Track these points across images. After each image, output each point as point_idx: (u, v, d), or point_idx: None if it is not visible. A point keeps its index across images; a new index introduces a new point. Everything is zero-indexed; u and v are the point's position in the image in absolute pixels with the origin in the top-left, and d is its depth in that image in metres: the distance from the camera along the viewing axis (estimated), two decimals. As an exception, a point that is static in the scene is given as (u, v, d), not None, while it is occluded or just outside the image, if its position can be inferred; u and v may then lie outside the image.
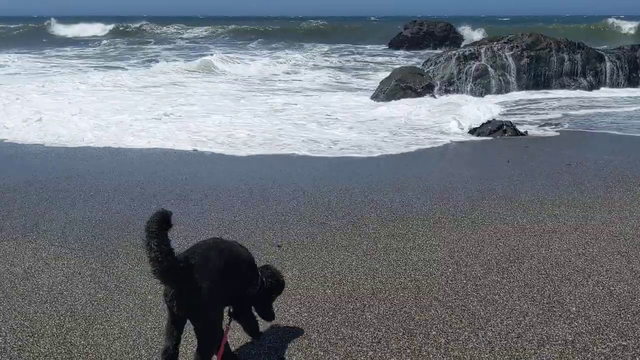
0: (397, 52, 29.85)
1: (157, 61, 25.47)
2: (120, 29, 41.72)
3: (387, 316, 4.37)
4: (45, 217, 6.49)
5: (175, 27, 39.95)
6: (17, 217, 6.42)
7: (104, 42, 34.60)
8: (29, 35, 43.42)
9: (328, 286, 4.89)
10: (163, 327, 3.48)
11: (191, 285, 3.03)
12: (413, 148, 10.96)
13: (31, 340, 3.87)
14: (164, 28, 42.05)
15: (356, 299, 4.65)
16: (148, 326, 4.11)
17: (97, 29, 42.81)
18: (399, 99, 16.54)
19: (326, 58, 27.59)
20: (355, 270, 5.25)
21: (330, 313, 4.39)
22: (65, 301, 4.44)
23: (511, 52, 18.89)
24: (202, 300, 3.05)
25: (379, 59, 27.74)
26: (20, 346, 3.79)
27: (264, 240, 5.98)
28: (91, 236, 5.89)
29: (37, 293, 4.55)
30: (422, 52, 29.69)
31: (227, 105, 15.43)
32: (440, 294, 4.76)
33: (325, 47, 31.22)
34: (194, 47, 32.04)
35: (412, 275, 5.13)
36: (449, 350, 3.92)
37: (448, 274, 5.19)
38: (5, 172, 8.71)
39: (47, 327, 4.05)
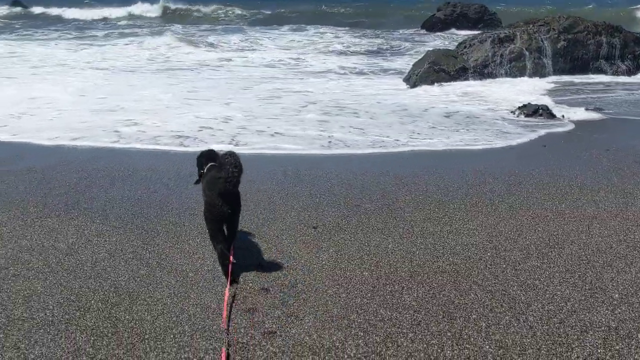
0: (429, 34, 29.45)
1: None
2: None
3: (426, 299, 4.36)
4: (86, 195, 6.61)
5: (217, 6, 39.69)
6: (58, 194, 6.54)
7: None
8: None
9: (365, 268, 4.89)
10: (211, 237, 4.54)
11: (238, 194, 4.54)
12: (448, 133, 10.84)
13: (78, 314, 3.96)
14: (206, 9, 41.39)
15: (394, 282, 4.65)
16: (190, 303, 4.18)
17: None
18: (432, 82, 16.37)
19: (357, 40, 27.37)
20: (392, 253, 5.25)
21: (369, 295, 4.40)
22: (109, 277, 4.53)
23: (547, 35, 18.48)
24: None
25: (411, 41, 27.41)
26: (67, 319, 3.88)
27: (299, 221, 6.00)
28: (131, 214, 5.98)
29: (81, 269, 4.65)
30: (455, 34, 29.24)
31: (267, 88, 15.45)
32: (479, 278, 4.73)
33: (357, 31, 30.95)
34: (226, 28, 32.06)
35: (450, 259, 5.11)
36: (490, 334, 3.90)
37: (487, 258, 5.15)
38: (44, 151, 8.88)
39: (93, 301, 4.14)
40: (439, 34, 29.87)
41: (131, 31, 29.41)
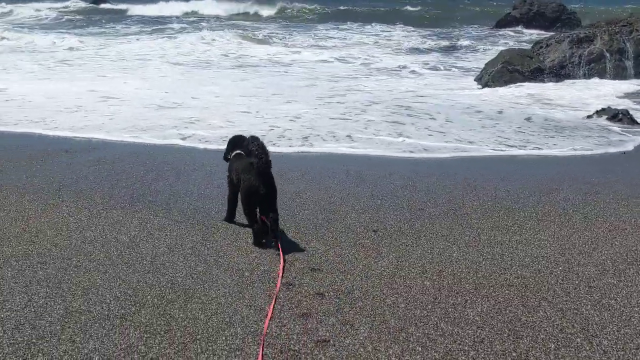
0: (504, 33, 28.47)
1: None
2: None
3: (491, 315, 4.09)
4: (152, 188, 6.66)
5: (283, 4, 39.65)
6: (125, 186, 6.62)
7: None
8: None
9: (427, 277, 4.65)
10: (248, 215, 5.17)
11: (271, 175, 5.09)
12: (525, 136, 10.35)
13: (133, 309, 3.93)
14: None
15: (457, 294, 4.39)
16: (244, 303, 4.07)
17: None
18: (505, 82, 15.77)
19: (427, 37, 26.82)
20: (456, 262, 4.98)
21: (429, 306, 4.17)
22: (167, 272, 4.50)
23: (630, 36, 17.44)
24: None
25: (484, 39, 26.60)
26: (122, 314, 3.86)
27: (359, 223, 5.82)
28: (193, 209, 5.97)
29: (140, 262, 4.64)
30: (526, 33, 28.15)
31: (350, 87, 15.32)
32: (549, 295, 4.41)
33: (427, 29, 30.33)
34: (297, 25, 32.14)
35: (519, 272, 4.79)
36: (559, 356, 3.60)
37: (558, 272, 4.80)
38: (114, 143, 9.06)
39: (149, 297, 4.10)
40: (513, 33, 28.83)
41: (205, 26, 29.86)
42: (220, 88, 14.24)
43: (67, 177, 6.88)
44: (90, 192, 6.34)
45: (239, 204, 5.35)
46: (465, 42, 25.53)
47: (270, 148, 5.29)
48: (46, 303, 3.95)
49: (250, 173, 5.01)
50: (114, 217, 5.61)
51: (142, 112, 11.23)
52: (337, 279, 4.53)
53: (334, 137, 9.81)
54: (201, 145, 8.99)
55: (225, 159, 5.71)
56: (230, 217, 5.62)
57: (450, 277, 4.67)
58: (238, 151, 5.49)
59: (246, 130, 9.81)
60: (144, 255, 4.77)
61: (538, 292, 4.44)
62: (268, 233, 5.03)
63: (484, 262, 4.99)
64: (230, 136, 5.82)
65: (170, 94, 13.25)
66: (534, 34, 27.94)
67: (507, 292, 4.45)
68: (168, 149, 8.67)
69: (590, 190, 7.11)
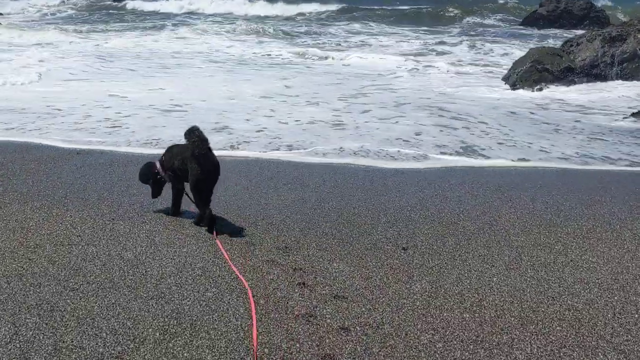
0: (530, 32, 27.47)
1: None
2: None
3: (543, 357, 3.46)
4: (166, 195, 6.11)
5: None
6: (136, 193, 6.08)
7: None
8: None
9: (465, 308, 4.04)
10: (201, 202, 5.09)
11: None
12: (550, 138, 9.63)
13: (132, 346, 3.38)
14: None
15: (501, 330, 3.77)
16: (259, 340, 3.50)
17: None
18: (534, 81, 14.97)
19: (450, 35, 25.99)
20: (497, 288, 4.36)
21: (471, 346, 3.56)
22: (173, 298, 3.95)
23: (666, 34, 16.49)
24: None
25: (511, 37, 25.67)
26: (119, 352, 3.31)
27: (386, 239, 5.21)
28: (206, 221, 5.41)
29: (144, 286, 4.09)
30: (558, 32, 27.15)
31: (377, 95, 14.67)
32: (607, 332, 3.77)
33: (448, 28, 29.44)
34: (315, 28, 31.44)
35: (569, 302, 4.15)
36: (630, 419, 2.98)
37: (614, 303, 4.16)
38: (128, 152, 8.56)
39: (150, 330, 3.55)
40: (540, 30, 27.83)
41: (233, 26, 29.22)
42: (254, 90, 13.67)
43: (75, 182, 6.37)
44: (98, 200, 5.81)
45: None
46: (490, 40, 24.65)
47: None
48: (34, 336, 3.42)
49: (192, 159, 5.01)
50: (120, 230, 5.07)
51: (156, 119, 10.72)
52: (364, 309, 3.93)
53: (387, 140, 9.06)
54: (252, 154, 8.45)
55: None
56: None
57: (492, 309, 4.05)
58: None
59: (281, 136, 9.25)
60: (149, 277, 4.22)
61: (594, 329, 3.81)
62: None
63: (528, 289, 4.36)
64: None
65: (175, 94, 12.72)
66: (561, 32, 26.94)
67: (558, 328, 3.83)
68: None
69: (637, 203, 6.42)
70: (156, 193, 5.51)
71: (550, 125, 10.57)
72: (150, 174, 5.41)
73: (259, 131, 9.31)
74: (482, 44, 23.40)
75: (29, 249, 4.54)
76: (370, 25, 29.28)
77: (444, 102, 12.42)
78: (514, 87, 14.81)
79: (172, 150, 5.38)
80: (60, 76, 14.16)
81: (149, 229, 5.15)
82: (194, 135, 4.97)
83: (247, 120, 10.07)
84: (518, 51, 20.23)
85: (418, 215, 5.89)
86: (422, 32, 27.69)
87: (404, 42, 23.99)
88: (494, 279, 4.53)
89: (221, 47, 21.03)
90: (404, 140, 9.10)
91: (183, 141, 5.14)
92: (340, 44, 23.19)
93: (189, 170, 5.07)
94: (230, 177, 6.87)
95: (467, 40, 24.49)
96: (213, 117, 10.10)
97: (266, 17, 32.47)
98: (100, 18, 32.25)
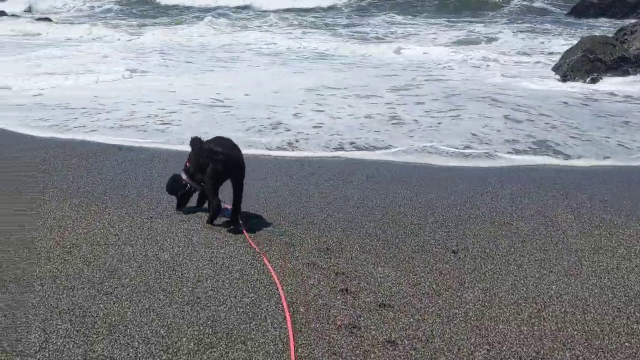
0: (580, 21, 26.30)
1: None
2: None
3: (614, 381, 3.08)
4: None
5: None
6: (175, 189, 5.89)
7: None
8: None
9: (523, 320, 3.67)
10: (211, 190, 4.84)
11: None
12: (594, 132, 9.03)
13: (164, 357, 3.16)
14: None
15: (564, 346, 3.39)
16: (298, 354, 3.23)
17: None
18: (585, 72, 14.20)
19: (496, 24, 25.12)
20: (557, 297, 3.96)
21: (531, 365, 3.20)
22: (209, 304, 3.71)
23: None
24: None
25: (559, 26, 24.64)
26: (151, 364, 3.09)
27: (435, 241, 4.86)
28: (250, 222, 5.17)
29: (180, 290, 3.87)
30: (609, 21, 25.91)
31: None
32: (686, 352, 3.34)
33: (499, 17, 28.45)
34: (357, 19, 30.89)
35: (638, 315, 3.73)
36: None
37: (691, 318, 3.71)
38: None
39: (184, 339, 3.32)
40: (590, 20, 26.62)
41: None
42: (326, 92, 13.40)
43: (115, 178, 6.23)
44: (137, 197, 5.64)
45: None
46: (538, 29, 23.73)
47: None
48: (64, 345, 3.23)
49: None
50: (157, 229, 4.88)
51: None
52: (412, 320, 3.61)
53: (456, 136, 8.54)
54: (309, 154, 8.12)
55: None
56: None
57: (552, 321, 3.67)
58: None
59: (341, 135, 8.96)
60: (185, 280, 3.99)
61: (671, 348, 3.39)
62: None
63: (591, 299, 3.95)
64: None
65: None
66: (612, 21, 25.68)
67: (627, 345, 3.42)
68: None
69: None
70: (183, 204, 5.31)
71: (616, 117, 9.89)
72: (177, 187, 5.21)
73: (315, 127, 8.90)
74: (529, 33, 22.55)
75: (64, 249, 4.39)
76: (412, 14, 28.61)
77: (496, 93, 11.89)
78: (564, 77, 14.10)
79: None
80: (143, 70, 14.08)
81: (187, 227, 4.94)
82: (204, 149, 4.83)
83: (299, 114, 9.70)
84: (567, 40, 19.36)
85: (468, 214, 5.51)
86: (466, 20, 26.88)
87: (448, 31, 23.32)
88: (553, 286, 4.14)
89: (266, 40, 20.83)
90: (472, 134, 8.62)
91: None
92: (385, 35, 22.68)
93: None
94: (270, 173, 6.62)
95: (513, 29, 23.65)
96: (264, 112, 9.77)
97: (300, 9, 31.90)
98: (141, 12, 32.44)
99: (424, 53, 18.18)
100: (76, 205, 5.33)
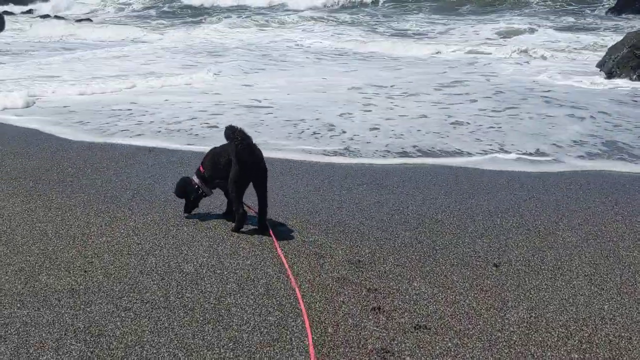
0: (625, 16, 25.18)
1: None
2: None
3: (682, 423, 2.69)
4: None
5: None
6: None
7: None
8: None
9: (574, 346, 3.29)
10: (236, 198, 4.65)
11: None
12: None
13: (180, 384, 2.91)
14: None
15: (622, 378, 3.01)
16: (325, 381, 2.93)
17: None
18: (632, 68, 13.45)
19: (533, 19, 24.28)
20: (610, 319, 3.57)
21: (586, 402, 2.83)
22: (231, 323, 3.45)
23: None
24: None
25: (602, 20, 23.67)
26: (166, 392, 2.84)
27: (474, 252, 4.50)
28: (279, 229, 4.90)
29: (201, 306, 3.62)
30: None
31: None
32: None
33: (538, 10, 27.49)
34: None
35: None
36: None
37: None
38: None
39: (204, 365, 3.07)
40: (633, 15, 25.45)
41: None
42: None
43: (144, 182, 6.04)
44: (164, 202, 5.42)
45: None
46: (580, 25, 22.82)
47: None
48: (76, 368, 3.02)
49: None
50: (182, 237, 4.65)
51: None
52: (450, 344, 3.27)
53: (529, 136, 8.15)
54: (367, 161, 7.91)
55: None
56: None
57: (605, 347, 3.29)
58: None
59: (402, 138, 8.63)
60: (207, 295, 3.74)
61: None
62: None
63: (650, 322, 3.55)
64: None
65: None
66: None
67: (695, 378, 3.02)
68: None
69: None
70: (191, 208, 5.07)
71: None
72: (190, 190, 4.98)
73: (372, 129, 8.50)
74: (570, 28, 21.72)
75: (86, 260, 4.19)
76: (450, 9, 27.92)
77: (544, 90, 11.52)
78: (610, 74, 13.39)
79: (214, 150, 4.99)
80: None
81: (212, 235, 4.69)
82: (237, 133, 4.57)
83: (348, 115, 9.36)
84: (610, 36, 18.52)
85: (510, 223, 5.12)
86: (501, 15, 26.07)
87: (484, 26, 22.63)
88: (606, 306, 3.74)
89: (306, 38, 20.54)
90: (542, 136, 8.19)
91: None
92: (425, 32, 22.14)
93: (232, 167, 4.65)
94: (300, 176, 6.34)
95: (553, 23, 22.84)
96: (311, 113, 9.44)
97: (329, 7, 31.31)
98: (171, 12, 32.50)
99: (465, 49, 17.65)
100: (102, 212, 5.15)
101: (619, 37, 15.95)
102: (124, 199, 5.53)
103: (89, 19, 29.48)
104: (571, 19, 24.40)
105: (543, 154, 7.37)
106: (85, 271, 4.02)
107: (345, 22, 25.73)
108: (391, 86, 11.84)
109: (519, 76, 13.24)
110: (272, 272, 4.09)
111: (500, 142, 7.88)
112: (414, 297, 3.79)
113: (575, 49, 17.54)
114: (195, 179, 4.99)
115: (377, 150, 7.48)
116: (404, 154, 7.38)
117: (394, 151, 7.46)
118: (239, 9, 31.76)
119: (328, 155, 7.27)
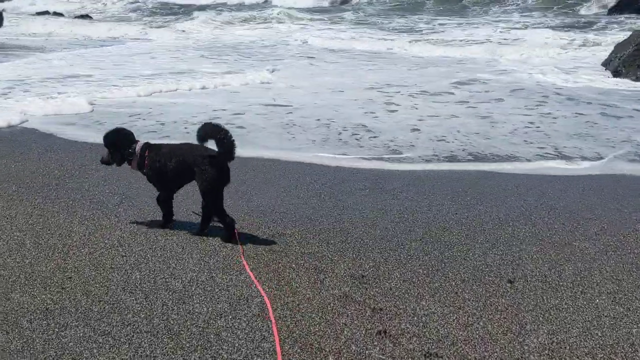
0: (628, 15, 24.70)
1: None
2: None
3: None
4: (238, 202, 5.26)
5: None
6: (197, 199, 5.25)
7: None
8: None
9: (604, 379, 2.92)
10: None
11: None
12: None
13: None
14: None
15: (662, 420, 2.63)
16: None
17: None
18: (638, 66, 13.10)
19: (538, 17, 23.87)
20: (639, 344, 3.20)
21: None
22: (220, 350, 3.06)
23: None
24: None
25: (605, 18, 23.25)
26: None
27: (486, 266, 4.12)
28: (276, 242, 4.51)
29: (189, 329, 3.22)
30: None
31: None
32: None
33: (540, 11, 27.04)
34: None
35: None
36: None
37: None
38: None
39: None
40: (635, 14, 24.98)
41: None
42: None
43: (132, 185, 5.62)
44: (155, 208, 4.96)
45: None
46: (582, 24, 22.42)
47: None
48: (43, 406, 2.63)
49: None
50: (172, 249, 4.26)
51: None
52: (465, 376, 2.90)
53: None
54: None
55: None
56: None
57: (640, 380, 2.91)
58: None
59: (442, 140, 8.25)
60: (195, 317, 3.35)
61: None
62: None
63: (684, 348, 3.17)
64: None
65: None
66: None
67: None
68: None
69: None
70: (107, 161, 4.54)
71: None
72: (122, 144, 4.43)
73: (414, 130, 8.15)
74: (572, 26, 21.31)
75: (65, 275, 3.80)
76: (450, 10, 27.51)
77: (556, 88, 11.39)
78: (616, 73, 13.02)
79: (160, 149, 4.45)
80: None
81: (204, 248, 4.30)
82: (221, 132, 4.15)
83: (374, 114, 9.04)
84: (614, 34, 18.14)
85: (523, 232, 4.74)
86: (497, 14, 25.65)
87: (484, 26, 22.25)
88: (634, 329, 3.36)
89: (338, 38, 20.13)
90: (590, 137, 7.96)
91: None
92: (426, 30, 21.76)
93: (200, 173, 4.23)
94: (302, 180, 5.96)
95: (554, 22, 22.44)
96: (334, 113, 9.13)
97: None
98: (174, 10, 32.13)
99: (467, 48, 17.29)
100: (86, 219, 4.76)
101: (618, 36, 15.61)
102: (111, 204, 5.13)
103: (88, 16, 29.03)
104: (571, 18, 24.02)
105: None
106: (63, 288, 3.63)
107: (347, 21, 25.33)
108: (408, 85, 11.60)
109: (525, 74, 13.12)
110: (268, 288, 3.70)
111: (553, 144, 7.58)
112: (423, 318, 3.40)
113: (579, 46, 17.18)
114: (137, 148, 4.43)
115: (425, 155, 7.10)
116: (452, 157, 7.03)
117: (442, 155, 7.12)
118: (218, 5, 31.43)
119: (377, 159, 6.89)
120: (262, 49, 17.75)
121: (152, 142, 4.61)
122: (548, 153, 7.20)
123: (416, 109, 9.58)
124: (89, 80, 11.59)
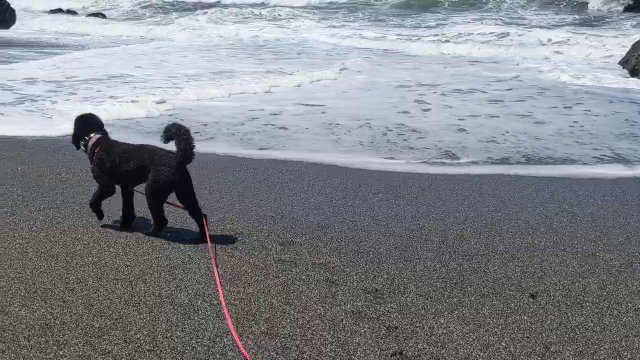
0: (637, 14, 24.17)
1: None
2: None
3: None
4: (239, 207, 5.08)
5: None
6: (219, 200, 5.07)
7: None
8: None
9: (639, 409, 2.69)
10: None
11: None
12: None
13: None
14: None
15: None
16: None
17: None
18: (657, 65, 12.77)
19: (551, 14, 23.44)
20: (677, 371, 2.96)
21: None
22: (228, 370, 2.87)
23: None
24: None
25: (621, 17, 22.79)
26: None
27: (507, 279, 3.90)
28: (284, 245, 4.31)
29: (193, 349, 3.03)
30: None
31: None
32: None
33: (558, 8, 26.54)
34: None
35: None
36: None
37: None
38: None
39: None
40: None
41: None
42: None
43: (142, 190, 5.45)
44: (166, 213, 4.79)
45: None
46: (597, 21, 21.98)
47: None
48: None
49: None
50: (178, 258, 4.06)
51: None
52: (487, 406, 2.68)
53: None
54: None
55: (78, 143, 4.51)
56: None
57: (678, 411, 2.68)
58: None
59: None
60: (201, 335, 3.15)
61: None
62: None
63: None
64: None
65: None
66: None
67: None
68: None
69: None
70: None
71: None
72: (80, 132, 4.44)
73: (460, 130, 7.96)
74: (588, 25, 20.90)
75: (67, 286, 3.62)
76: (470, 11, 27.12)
77: (573, 90, 11.14)
78: (634, 72, 12.69)
79: (111, 148, 4.36)
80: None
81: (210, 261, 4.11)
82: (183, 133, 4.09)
83: (410, 114, 8.94)
84: (633, 33, 17.75)
85: (544, 241, 4.51)
86: (511, 13, 25.24)
87: (497, 24, 21.88)
88: (667, 351, 3.13)
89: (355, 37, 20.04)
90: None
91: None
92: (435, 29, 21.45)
93: (153, 173, 4.19)
94: (312, 183, 5.76)
95: (571, 20, 22.02)
96: (369, 112, 8.98)
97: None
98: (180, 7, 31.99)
99: (476, 47, 17.00)
100: (91, 225, 4.58)
101: (635, 35, 15.24)
102: (116, 209, 4.95)
103: (101, 14, 28.97)
104: (584, 15, 23.59)
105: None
106: (64, 301, 3.45)
107: (358, 19, 25.07)
108: (437, 84, 11.55)
109: (547, 73, 13.10)
110: (277, 302, 3.51)
111: (609, 145, 7.43)
112: (441, 338, 3.19)
113: (592, 45, 16.82)
114: (92, 140, 4.39)
115: (484, 155, 6.95)
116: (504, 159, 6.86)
117: (495, 157, 6.95)
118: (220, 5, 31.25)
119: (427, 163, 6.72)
120: (293, 47, 17.71)
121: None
122: (604, 155, 7.05)
123: (449, 107, 9.53)
124: (132, 81, 11.14)
